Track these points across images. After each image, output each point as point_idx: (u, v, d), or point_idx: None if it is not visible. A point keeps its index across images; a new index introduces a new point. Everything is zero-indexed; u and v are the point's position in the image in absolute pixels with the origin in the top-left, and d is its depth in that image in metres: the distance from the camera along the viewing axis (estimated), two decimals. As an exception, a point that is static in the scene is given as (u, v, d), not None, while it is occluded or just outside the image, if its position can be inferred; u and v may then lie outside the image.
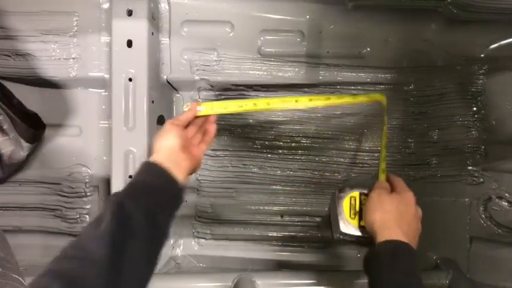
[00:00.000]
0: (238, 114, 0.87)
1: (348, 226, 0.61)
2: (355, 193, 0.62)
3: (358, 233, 0.60)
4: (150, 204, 0.54)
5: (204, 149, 0.70)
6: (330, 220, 0.65)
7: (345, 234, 0.61)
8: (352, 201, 0.62)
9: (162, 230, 0.56)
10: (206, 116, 0.71)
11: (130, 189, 0.57)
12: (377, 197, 0.59)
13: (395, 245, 0.53)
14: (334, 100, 0.73)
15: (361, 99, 0.75)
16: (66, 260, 0.44)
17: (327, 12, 0.81)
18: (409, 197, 0.59)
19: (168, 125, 0.65)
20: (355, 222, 0.61)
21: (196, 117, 0.71)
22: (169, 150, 0.63)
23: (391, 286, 0.51)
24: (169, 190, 0.60)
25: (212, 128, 0.72)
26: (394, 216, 0.56)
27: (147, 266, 0.51)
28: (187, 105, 0.70)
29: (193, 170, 0.66)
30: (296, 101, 0.73)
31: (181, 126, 0.66)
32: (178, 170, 0.61)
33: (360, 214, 0.61)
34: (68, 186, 0.87)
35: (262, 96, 0.85)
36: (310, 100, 0.72)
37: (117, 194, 0.54)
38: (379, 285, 0.53)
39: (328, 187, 0.89)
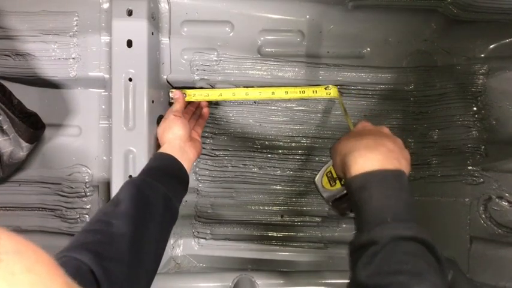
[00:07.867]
0: (239, 114, 0.87)
1: (333, 192, 0.62)
2: (329, 167, 0.63)
3: (343, 192, 0.61)
4: (166, 190, 0.59)
5: (200, 132, 0.78)
6: (329, 204, 0.65)
7: (335, 201, 0.63)
8: (329, 175, 0.64)
9: (174, 213, 0.61)
10: (198, 102, 0.81)
11: (147, 174, 0.61)
12: (335, 145, 0.57)
13: (361, 179, 0.47)
14: (309, 94, 0.78)
15: (333, 95, 0.78)
16: (92, 233, 0.47)
17: (327, 12, 0.81)
18: (367, 125, 0.58)
19: (171, 117, 0.71)
20: (338, 185, 0.62)
21: (188, 104, 0.80)
22: (177, 141, 0.69)
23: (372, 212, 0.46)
24: (181, 178, 0.65)
25: (205, 110, 0.81)
26: (354, 148, 0.50)
27: (162, 243, 0.57)
28: (172, 92, 0.79)
29: (196, 157, 0.72)
30: (273, 92, 0.78)
31: (183, 117, 0.72)
32: (186, 159, 0.67)
33: (339, 179, 0.61)
34: (68, 186, 0.87)
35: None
36: (286, 93, 0.77)
37: (134, 179, 0.59)
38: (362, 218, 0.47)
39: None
